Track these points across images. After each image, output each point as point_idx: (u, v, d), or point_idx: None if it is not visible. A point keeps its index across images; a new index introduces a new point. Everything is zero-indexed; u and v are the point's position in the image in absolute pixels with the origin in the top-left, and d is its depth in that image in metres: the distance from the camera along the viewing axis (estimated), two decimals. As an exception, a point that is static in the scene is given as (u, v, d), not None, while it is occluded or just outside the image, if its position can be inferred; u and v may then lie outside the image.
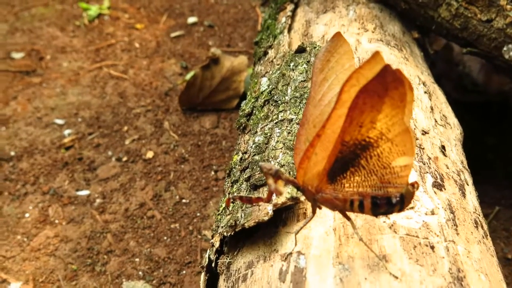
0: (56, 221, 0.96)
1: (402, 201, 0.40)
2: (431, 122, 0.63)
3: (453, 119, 0.69)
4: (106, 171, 1.07)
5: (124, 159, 1.10)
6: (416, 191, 0.41)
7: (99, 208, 0.99)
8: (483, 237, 0.52)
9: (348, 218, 0.43)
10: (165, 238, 0.94)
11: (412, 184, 0.40)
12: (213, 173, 1.07)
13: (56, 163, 1.08)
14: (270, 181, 0.41)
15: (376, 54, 0.35)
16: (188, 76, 1.31)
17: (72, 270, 0.87)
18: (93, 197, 1.01)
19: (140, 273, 0.88)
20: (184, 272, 0.88)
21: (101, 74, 1.36)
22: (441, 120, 0.65)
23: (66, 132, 1.16)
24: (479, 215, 0.55)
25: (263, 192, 0.51)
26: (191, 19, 1.58)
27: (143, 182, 1.04)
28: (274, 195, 0.45)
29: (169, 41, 1.50)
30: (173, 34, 1.52)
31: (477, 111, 1.18)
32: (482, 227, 0.53)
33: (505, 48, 0.76)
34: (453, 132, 0.66)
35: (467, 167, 0.63)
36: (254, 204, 0.48)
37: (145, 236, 0.94)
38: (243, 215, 0.49)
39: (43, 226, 0.95)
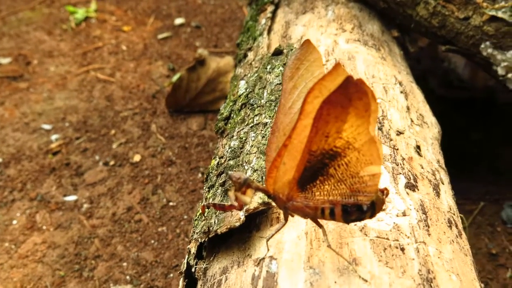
0: (44, 227, 0.96)
1: (373, 208, 0.41)
2: (406, 122, 0.63)
3: (430, 118, 0.69)
4: (93, 176, 1.07)
5: (112, 163, 1.10)
6: (386, 198, 0.41)
7: (86, 213, 0.99)
8: (457, 237, 0.52)
9: (320, 226, 0.43)
10: (152, 241, 0.94)
11: (382, 191, 0.41)
12: (200, 175, 1.08)
13: (43, 169, 1.09)
14: (236, 191, 0.42)
15: (337, 66, 0.36)
16: (175, 78, 1.31)
17: (59, 277, 0.88)
18: (81, 202, 1.01)
19: (128, 277, 0.88)
20: (171, 275, 0.88)
21: (88, 78, 1.36)
22: (418, 119, 0.66)
23: (54, 137, 1.17)
24: (454, 214, 0.55)
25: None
26: (178, 20, 1.58)
27: (131, 186, 1.05)
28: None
29: (156, 43, 1.49)
30: (160, 36, 1.52)
31: (462, 107, 1.19)
32: (456, 226, 0.54)
33: (482, 46, 0.77)
34: (430, 131, 0.66)
35: (443, 166, 0.63)
36: (227, 211, 0.48)
37: (132, 240, 0.94)
38: (216, 221, 0.49)
39: (31, 233, 0.95)
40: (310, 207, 0.42)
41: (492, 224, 0.94)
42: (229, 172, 0.43)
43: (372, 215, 0.41)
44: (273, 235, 0.46)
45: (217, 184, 0.56)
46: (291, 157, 0.40)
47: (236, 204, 0.44)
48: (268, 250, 0.47)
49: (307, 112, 0.38)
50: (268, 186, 0.42)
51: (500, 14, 0.74)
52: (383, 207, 0.42)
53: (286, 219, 0.44)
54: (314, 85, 0.37)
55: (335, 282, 0.43)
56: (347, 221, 0.42)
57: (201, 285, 0.52)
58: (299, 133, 0.39)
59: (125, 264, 0.90)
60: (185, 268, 0.55)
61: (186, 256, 0.56)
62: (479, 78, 1.19)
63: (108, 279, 0.88)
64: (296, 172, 0.41)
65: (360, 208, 0.40)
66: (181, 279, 0.55)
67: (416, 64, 1.25)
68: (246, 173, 0.53)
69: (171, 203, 1.01)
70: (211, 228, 0.49)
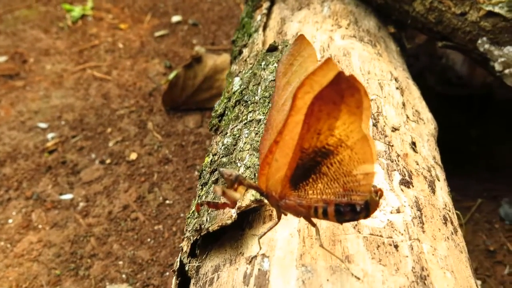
0: (40, 226, 0.96)
1: (367, 208, 0.40)
2: (402, 118, 0.62)
3: (427, 114, 0.69)
4: (89, 174, 1.07)
5: (108, 161, 1.10)
6: (380, 199, 0.40)
7: (82, 211, 0.99)
8: (452, 233, 0.52)
9: (313, 224, 0.43)
10: (148, 240, 0.94)
11: (376, 191, 0.40)
12: (196, 173, 1.07)
13: (39, 168, 1.08)
14: (228, 188, 0.41)
15: (328, 60, 0.35)
16: (172, 75, 1.30)
17: (55, 275, 0.87)
18: (77, 201, 1.01)
19: (124, 276, 0.88)
20: (167, 273, 0.88)
21: (85, 76, 1.35)
22: (414, 115, 0.65)
23: (50, 135, 1.16)
24: (450, 211, 0.55)
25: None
26: (175, 18, 1.57)
27: (127, 184, 1.04)
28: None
29: (153, 41, 1.49)
30: (157, 34, 1.51)
31: (461, 104, 1.18)
32: (452, 223, 0.53)
33: (479, 41, 0.76)
34: (426, 128, 0.66)
35: (439, 162, 0.63)
36: (220, 209, 0.48)
37: (128, 239, 0.94)
38: (208, 219, 0.49)
39: (27, 232, 0.95)
40: (303, 206, 0.41)
41: (490, 221, 0.94)
42: (220, 169, 0.42)
43: (366, 216, 0.40)
44: (265, 233, 0.45)
45: (210, 181, 0.55)
46: (283, 154, 0.40)
47: (228, 202, 0.43)
48: (260, 248, 0.46)
49: (298, 108, 0.37)
50: (261, 183, 0.42)
51: (497, 10, 0.73)
52: (378, 208, 0.41)
53: (279, 218, 0.44)
54: (305, 79, 0.36)
55: (328, 280, 0.42)
56: (340, 221, 0.41)
57: (193, 283, 0.51)
58: (290, 129, 0.38)
59: (121, 262, 0.89)
60: (178, 266, 0.54)
61: (179, 254, 0.56)
62: (477, 75, 1.19)
63: (104, 277, 0.87)
64: (288, 169, 0.40)
65: (353, 208, 0.40)
66: (174, 277, 0.55)
67: (414, 61, 1.24)
68: (238, 170, 0.52)
69: (167, 201, 1.01)
70: (203, 226, 0.48)
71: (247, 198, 0.48)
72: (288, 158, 0.39)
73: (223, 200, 0.51)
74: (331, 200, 0.40)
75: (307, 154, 0.39)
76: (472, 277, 0.50)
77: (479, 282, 0.83)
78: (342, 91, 0.34)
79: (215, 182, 0.54)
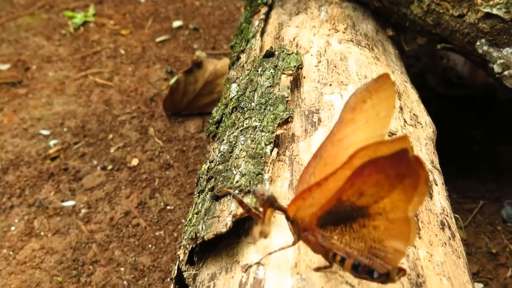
0: (42, 233, 0.96)
1: (385, 278, 0.38)
2: (399, 123, 0.62)
3: (425, 118, 0.68)
4: (91, 181, 1.08)
5: (109, 167, 1.10)
6: (400, 279, 0.39)
7: (84, 218, 0.99)
8: (450, 239, 0.51)
9: (330, 263, 0.42)
10: (150, 246, 0.94)
11: (399, 270, 0.38)
12: (197, 178, 1.07)
13: (41, 175, 1.09)
14: (260, 206, 0.40)
15: (404, 138, 0.32)
16: (173, 81, 1.31)
17: (57, 282, 0.88)
18: (78, 208, 1.01)
19: (125, 282, 0.88)
20: (168, 280, 0.88)
21: (87, 83, 1.36)
22: (411, 119, 0.65)
23: (52, 142, 1.17)
24: (447, 216, 0.55)
25: (223, 204, 0.50)
26: (176, 23, 1.58)
27: (128, 190, 1.05)
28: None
29: (154, 46, 1.49)
30: (158, 39, 1.52)
31: (462, 105, 1.18)
32: (449, 228, 0.53)
33: (478, 43, 0.76)
34: (424, 131, 0.65)
35: (438, 166, 0.62)
36: (248, 214, 0.46)
37: (130, 245, 0.94)
38: (203, 227, 0.49)
39: (29, 239, 0.95)
40: (323, 246, 0.40)
41: (492, 223, 0.93)
42: (253, 187, 0.41)
43: (381, 283, 0.39)
44: (275, 251, 0.45)
45: (206, 189, 0.55)
46: (321, 196, 0.38)
47: (261, 216, 0.42)
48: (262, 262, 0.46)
49: (352, 166, 0.35)
50: (290, 210, 0.41)
51: (495, 11, 0.73)
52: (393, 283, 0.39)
53: (294, 243, 0.43)
54: (371, 144, 0.34)
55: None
56: (354, 275, 0.40)
57: (190, 291, 0.51)
58: (337, 179, 0.36)
59: (122, 269, 0.90)
60: (175, 274, 0.55)
61: (177, 262, 0.56)
62: (479, 75, 1.18)
63: (105, 284, 0.88)
64: (320, 210, 0.39)
65: (371, 272, 0.38)
66: (172, 285, 0.55)
67: (415, 61, 1.24)
68: (234, 177, 0.52)
69: (168, 207, 1.01)
70: (198, 234, 0.48)
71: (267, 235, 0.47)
72: (325, 200, 0.38)
73: (219, 206, 0.51)
74: (352, 254, 0.39)
75: (343, 206, 0.38)
76: (470, 282, 0.50)
77: (481, 285, 0.82)
78: (399, 169, 0.33)
79: (212, 189, 0.54)
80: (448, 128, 0.79)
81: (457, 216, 0.62)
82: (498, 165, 1.05)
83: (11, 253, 0.93)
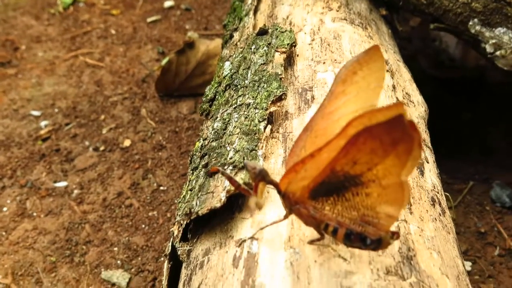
0: (34, 214, 0.96)
1: (378, 245, 0.39)
2: (392, 101, 0.62)
3: (417, 97, 0.69)
4: (83, 162, 1.07)
5: (102, 148, 1.10)
6: (394, 241, 0.39)
7: (77, 199, 0.99)
8: (440, 215, 0.52)
9: (321, 235, 0.42)
10: (143, 226, 0.94)
11: (393, 233, 0.39)
12: (190, 159, 1.07)
13: (33, 155, 1.08)
14: (252, 181, 0.40)
15: (398, 104, 0.32)
16: (164, 61, 1.30)
17: (51, 262, 0.88)
18: (71, 188, 1.01)
19: (119, 262, 0.88)
20: (162, 259, 0.89)
21: (77, 63, 1.34)
22: (404, 98, 0.65)
23: (43, 123, 1.16)
24: (438, 193, 0.55)
25: (217, 179, 0.51)
26: (168, 3, 1.56)
27: (121, 171, 1.04)
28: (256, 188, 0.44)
29: (145, 27, 1.48)
30: (149, 19, 1.50)
31: (453, 87, 1.18)
32: (440, 204, 0.54)
33: (470, 23, 0.76)
34: (416, 110, 0.66)
35: (429, 145, 0.63)
36: (238, 190, 0.46)
37: (123, 225, 0.94)
38: (198, 203, 0.49)
39: (21, 220, 0.95)
40: (315, 218, 0.40)
41: (481, 203, 0.95)
42: (245, 161, 0.41)
43: (373, 249, 0.40)
44: (267, 226, 0.45)
45: (200, 166, 0.55)
46: (314, 167, 0.38)
47: (251, 192, 0.42)
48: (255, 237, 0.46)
49: (347, 135, 0.35)
50: (282, 184, 0.41)
51: (488, -9, 0.73)
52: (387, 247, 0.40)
53: (286, 217, 0.43)
54: (366, 112, 0.34)
55: (315, 261, 0.43)
56: (347, 244, 0.40)
57: (185, 267, 0.52)
58: (331, 149, 0.36)
59: (116, 249, 0.90)
60: (169, 250, 0.55)
61: (171, 239, 0.56)
62: (471, 58, 1.18)
63: (99, 264, 0.88)
64: (312, 182, 0.39)
65: (364, 239, 0.39)
66: (166, 261, 0.55)
67: (407, 43, 1.24)
68: (228, 154, 0.52)
69: (161, 188, 1.01)
70: (192, 210, 0.49)
71: (237, 180, 0.48)
72: (317, 172, 0.39)
73: (213, 182, 0.52)
74: (345, 223, 0.39)
75: (336, 176, 0.38)
76: (459, 257, 0.51)
77: (469, 263, 0.84)
78: (394, 135, 0.33)
79: (205, 166, 0.54)
80: (439, 110, 0.79)
81: (448, 194, 0.62)
82: (487, 147, 1.07)
83: (4, 233, 0.93)
